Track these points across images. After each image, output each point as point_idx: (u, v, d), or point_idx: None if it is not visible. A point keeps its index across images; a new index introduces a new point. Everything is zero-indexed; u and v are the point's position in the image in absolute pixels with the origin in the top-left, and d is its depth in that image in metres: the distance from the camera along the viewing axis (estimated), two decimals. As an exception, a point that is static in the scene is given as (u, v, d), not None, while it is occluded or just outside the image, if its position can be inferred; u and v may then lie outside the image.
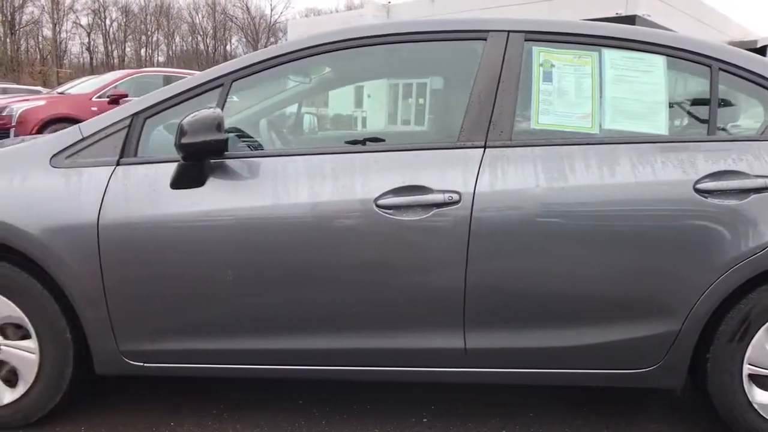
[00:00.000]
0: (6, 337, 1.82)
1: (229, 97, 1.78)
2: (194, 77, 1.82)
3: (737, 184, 1.65)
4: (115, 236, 1.70)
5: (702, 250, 1.64)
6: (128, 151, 1.76)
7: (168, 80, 8.88)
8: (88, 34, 49.39)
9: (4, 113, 7.46)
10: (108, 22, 50.20)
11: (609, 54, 1.80)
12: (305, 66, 1.80)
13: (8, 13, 38.65)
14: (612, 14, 17.35)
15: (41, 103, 7.77)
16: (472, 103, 1.75)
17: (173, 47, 54.03)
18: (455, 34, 1.82)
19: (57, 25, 42.07)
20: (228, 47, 55.67)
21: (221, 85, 1.79)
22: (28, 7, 40.65)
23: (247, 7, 54.63)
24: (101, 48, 50.89)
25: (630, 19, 17.26)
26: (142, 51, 52.07)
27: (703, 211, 1.64)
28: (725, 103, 1.83)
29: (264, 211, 1.69)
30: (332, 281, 1.71)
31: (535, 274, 1.68)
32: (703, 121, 1.78)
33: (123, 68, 48.09)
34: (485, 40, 1.79)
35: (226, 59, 54.15)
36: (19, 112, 7.44)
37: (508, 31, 1.79)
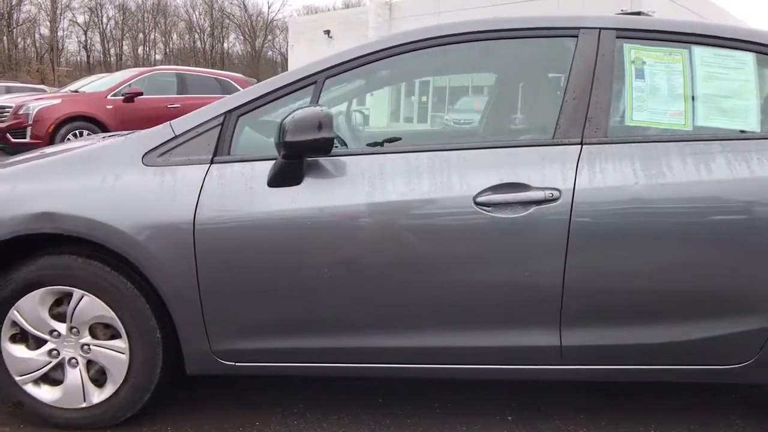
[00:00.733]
0: (95, 337, 1.81)
1: (322, 94, 1.76)
2: (285, 75, 1.80)
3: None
4: (211, 235, 1.69)
5: (800, 247, 1.64)
6: (221, 149, 1.75)
7: (182, 78, 8.85)
8: (85, 32, 49.15)
9: (21, 112, 7.41)
10: (105, 20, 49.96)
11: (699, 51, 1.80)
12: (397, 63, 1.79)
13: (5, 11, 38.38)
14: (617, 11, 17.49)
15: (57, 101, 7.71)
16: (567, 99, 1.74)
17: (170, 45, 53.82)
18: (546, 31, 1.82)
19: (54, 23, 41.80)
20: (225, 45, 55.54)
21: (314, 82, 1.77)
22: (25, 5, 40.40)
23: (244, 5, 54.48)
24: (98, 46, 50.65)
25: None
26: (140, 49, 51.85)
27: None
28: None
29: (361, 209, 1.68)
30: (428, 279, 1.70)
31: (634, 271, 1.68)
32: None
33: (120, 66, 47.89)
34: (576, 37, 1.79)
35: (223, 57, 54.10)
36: (35, 110, 7.40)
37: (600, 28, 1.79)
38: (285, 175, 1.68)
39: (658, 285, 1.69)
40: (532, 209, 1.66)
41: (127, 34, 51.47)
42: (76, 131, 7.79)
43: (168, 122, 1.82)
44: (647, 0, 17.47)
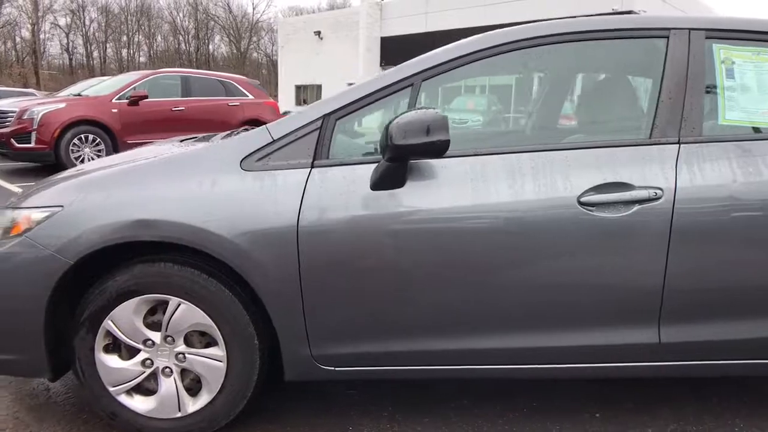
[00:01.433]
0: (190, 345, 1.78)
1: (419, 96, 1.76)
2: (380, 78, 1.79)
3: None
4: (314, 239, 1.67)
5: None
6: (320, 153, 1.74)
7: (186, 81, 8.77)
8: (67, 35, 48.41)
9: (25, 116, 7.28)
10: (87, 22, 49.25)
11: (786, 50, 1.83)
12: (493, 63, 1.79)
13: (-15, 14, 37.65)
14: (609, 10, 17.71)
15: (62, 105, 7.57)
16: (663, 99, 1.76)
17: (155, 47, 53.24)
18: (638, 32, 1.83)
19: (35, 26, 41.09)
20: (211, 47, 55.08)
21: (411, 85, 1.77)
22: (5, 7, 39.66)
23: (229, 6, 54.13)
24: (81, 49, 49.92)
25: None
26: (123, 52, 51.20)
27: None
28: None
29: (464, 211, 1.68)
30: (530, 280, 1.71)
31: (734, 267, 1.70)
32: None
33: (104, 69, 47.21)
34: (667, 38, 1.81)
35: (208, 59, 53.62)
36: (40, 115, 7.26)
37: (690, 29, 1.81)
38: (389, 178, 1.67)
39: (757, 280, 1.71)
40: (635, 208, 1.68)
41: (111, 37, 50.80)
42: (81, 135, 7.68)
43: (263, 126, 1.80)
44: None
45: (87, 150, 7.77)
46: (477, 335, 1.75)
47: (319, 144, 1.74)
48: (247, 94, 9.39)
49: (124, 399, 1.80)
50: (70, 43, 48.96)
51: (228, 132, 2.36)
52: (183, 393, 1.79)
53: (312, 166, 1.72)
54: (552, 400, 2.08)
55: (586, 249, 1.70)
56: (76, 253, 1.68)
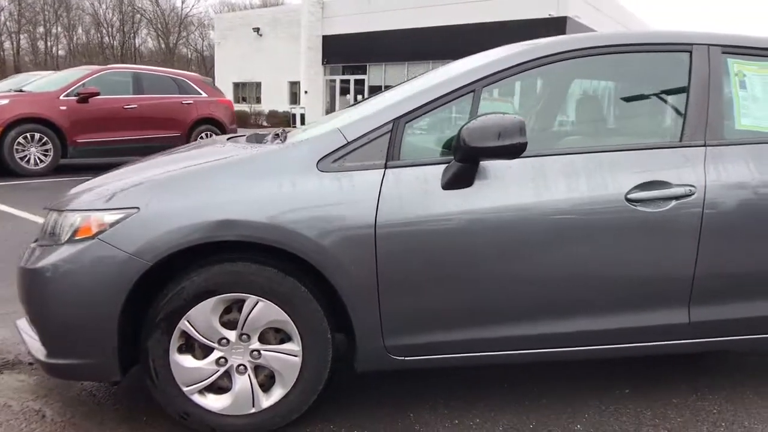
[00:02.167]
0: (265, 342, 1.82)
1: (480, 102, 1.89)
2: (443, 83, 1.90)
3: None
4: (391, 236, 1.77)
5: None
6: (392, 155, 1.83)
7: (138, 78, 8.45)
8: (-26, 24, 44.70)
9: (-34, 113, 6.78)
10: (-3, 11, 45.66)
11: (785, 64, 2.11)
12: (545, 72, 1.95)
13: None
14: (545, 15, 18.57)
15: (5, 102, 7.10)
16: (691, 106, 1.99)
17: (75, 40, 50.20)
18: (665, 47, 2.05)
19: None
20: (137, 41, 52.63)
21: (473, 91, 1.90)
22: None
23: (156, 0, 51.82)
24: (-10, 39, 46.20)
25: (561, 21, 18.61)
26: (40, 44, 47.95)
27: None
28: None
29: (528, 208, 1.83)
30: (584, 270, 1.88)
31: (756, 254, 1.96)
32: None
33: (17, 61, 43.97)
34: (690, 52, 2.04)
35: (134, 54, 51.14)
36: (-17, 112, 6.79)
37: (709, 45, 2.05)
38: (460, 178, 1.79)
39: (769, 265, 1.98)
40: (673, 204, 1.89)
41: (25, 27, 47.42)
42: (27, 134, 7.24)
43: (336, 129, 1.87)
44: (573, 5, 18.72)
45: (33, 150, 7.35)
46: (539, 322, 1.91)
47: (391, 146, 1.83)
48: (201, 91, 9.17)
49: (197, 398, 1.81)
50: (-22, 33, 45.26)
51: (280, 129, 2.39)
52: (257, 389, 1.83)
53: (386, 167, 1.82)
54: (579, 382, 2.27)
55: (631, 241, 1.89)
56: (156, 254, 1.68)
